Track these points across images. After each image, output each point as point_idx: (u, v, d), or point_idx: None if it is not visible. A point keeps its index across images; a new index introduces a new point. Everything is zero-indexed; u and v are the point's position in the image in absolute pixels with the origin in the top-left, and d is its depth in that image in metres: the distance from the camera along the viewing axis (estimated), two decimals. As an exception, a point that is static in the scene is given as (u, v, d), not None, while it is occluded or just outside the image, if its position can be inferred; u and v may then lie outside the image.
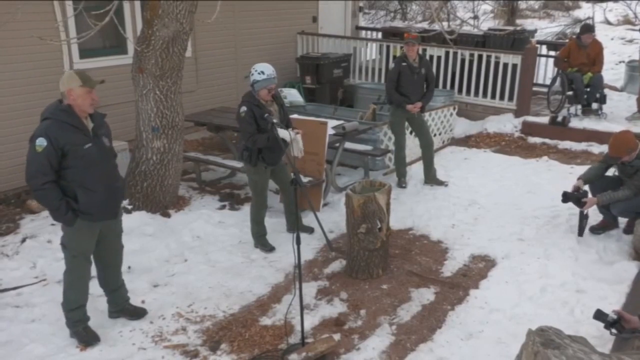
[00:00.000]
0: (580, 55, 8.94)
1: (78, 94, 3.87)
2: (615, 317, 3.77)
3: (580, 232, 5.66)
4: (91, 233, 4.11)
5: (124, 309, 4.54)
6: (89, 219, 4.00)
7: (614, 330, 3.81)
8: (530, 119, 9.20)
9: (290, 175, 5.58)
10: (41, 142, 3.78)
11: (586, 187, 5.76)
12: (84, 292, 4.25)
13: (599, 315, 3.87)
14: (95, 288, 4.95)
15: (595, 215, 5.78)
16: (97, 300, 4.77)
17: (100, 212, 4.04)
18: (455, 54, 9.87)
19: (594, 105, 9.15)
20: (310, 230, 5.90)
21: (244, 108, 5.19)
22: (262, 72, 5.14)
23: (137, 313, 4.55)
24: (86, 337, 4.23)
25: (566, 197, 5.67)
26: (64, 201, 3.90)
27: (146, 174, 6.26)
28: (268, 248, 5.63)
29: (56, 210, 3.92)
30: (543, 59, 10.72)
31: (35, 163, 3.82)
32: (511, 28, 12.82)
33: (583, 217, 5.64)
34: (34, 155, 3.81)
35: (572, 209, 5.82)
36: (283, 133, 5.13)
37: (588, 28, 9.22)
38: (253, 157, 5.33)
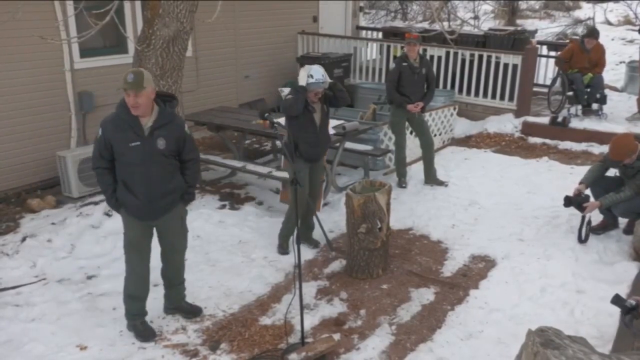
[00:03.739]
0: (582, 59, 8.93)
1: (125, 96, 3.90)
2: (633, 302, 3.65)
3: (584, 239, 5.57)
4: (136, 226, 4.13)
5: (179, 306, 4.57)
6: (129, 213, 4.08)
7: (627, 319, 3.70)
8: (531, 119, 9.20)
9: (324, 179, 5.59)
10: (99, 131, 4.01)
11: (587, 191, 5.75)
12: (141, 285, 4.27)
13: (617, 300, 3.72)
14: (94, 287, 4.97)
15: (595, 216, 5.78)
16: (96, 299, 4.78)
17: (139, 213, 4.07)
18: (455, 54, 9.86)
19: (594, 106, 9.14)
20: (315, 243, 5.75)
21: (289, 95, 5.35)
22: (312, 76, 5.17)
23: (193, 311, 4.58)
24: (143, 331, 4.28)
25: (569, 202, 5.64)
26: (112, 187, 4.03)
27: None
28: (283, 251, 5.56)
29: (104, 192, 4.11)
30: (543, 59, 10.71)
31: (94, 148, 4.08)
32: (512, 28, 12.82)
33: (586, 224, 5.58)
34: (95, 141, 4.07)
35: (572, 209, 5.80)
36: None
37: (592, 33, 9.17)
38: (291, 153, 5.25)
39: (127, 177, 4.00)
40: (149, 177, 3.99)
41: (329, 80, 5.27)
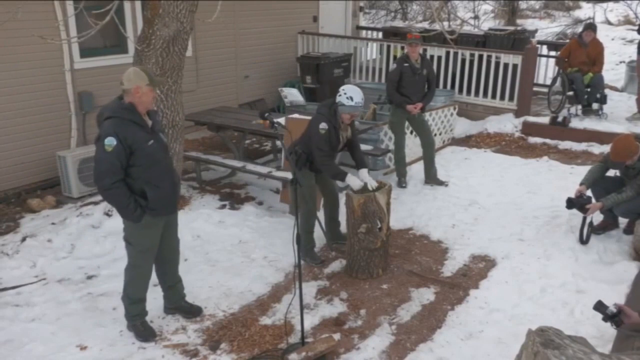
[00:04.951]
0: (580, 54, 8.95)
1: (144, 92, 3.88)
2: (614, 310, 3.67)
3: (586, 240, 5.56)
4: (157, 228, 4.15)
5: (179, 306, 4.57)
6: (156, 214, 4.03)
7: (613, 326, 3.72)
8: (531, 119, 9.20)
9: (336, 182, 5.56)
10: (110, 142, 3.76)
11: (588, 192, 5.74)
12: (145, 287, 4.30)
13: (599, 306, 3.74)
14: (94, 287, 4.97)
15: (595, 216, 5.77)
16: (96, 299, 4.78)
17: (166, 207, 4.09)
18: (455, 54, 9.87)
19: (595, 106, 9.15)
20: (344, 238, 5.58)
21: (324, 125, 5.01)
22: (351, 98, 4.99)
23: (193, 311, 4.58)
24: (143, 332, 4.29)
25: (571, 204, 5.62)
26: (133, 198, 3.92)
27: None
28: (318, 261, 5.39)
29: (125, 208, 3.93)
30: (543, 59, 10.73)
31: (105, 162, 3.80)
32: (512, 28, 12.81)
33: (588, 224, 5.57)
34: (103, 155, 3.79)
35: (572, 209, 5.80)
36: (353, 182, 5.07)
37: (589, 26, 9.25)
38: (300, 162, 5.18)
39: (152, 175, 3.96)
40: (169, 169, 4.11)
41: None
